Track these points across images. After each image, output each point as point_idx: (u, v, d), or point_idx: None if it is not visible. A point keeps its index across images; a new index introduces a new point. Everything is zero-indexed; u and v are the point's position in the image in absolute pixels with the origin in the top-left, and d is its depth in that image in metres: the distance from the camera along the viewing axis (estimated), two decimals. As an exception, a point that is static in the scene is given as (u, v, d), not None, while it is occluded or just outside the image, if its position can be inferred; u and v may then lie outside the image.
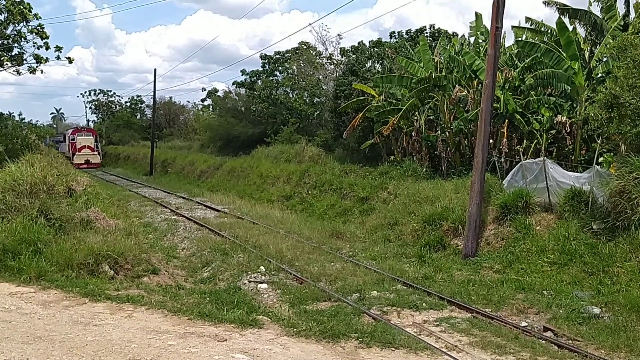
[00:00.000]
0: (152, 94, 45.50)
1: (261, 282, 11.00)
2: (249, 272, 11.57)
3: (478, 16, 19.53)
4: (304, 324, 7.99)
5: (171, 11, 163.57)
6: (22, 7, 17.12)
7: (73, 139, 48.10)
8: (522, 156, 14.49)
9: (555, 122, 15.27)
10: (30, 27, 17.81)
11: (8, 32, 17.64)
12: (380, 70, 25.87)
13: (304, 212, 19.98)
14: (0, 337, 6.22)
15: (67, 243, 9.75)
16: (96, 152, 48.74)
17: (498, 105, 15.87)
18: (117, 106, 70.74)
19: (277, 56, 39.33)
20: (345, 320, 8.49)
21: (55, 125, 79.11)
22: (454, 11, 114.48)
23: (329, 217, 18.62)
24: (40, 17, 18.04)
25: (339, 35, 38.02)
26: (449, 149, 18.31)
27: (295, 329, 7.66)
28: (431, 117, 20.07)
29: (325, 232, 15.87)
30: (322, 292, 10.19)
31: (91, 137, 49.28)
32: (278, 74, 39.52)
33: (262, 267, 11.81)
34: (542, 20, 17.41)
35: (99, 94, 72.42)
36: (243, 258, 12.58)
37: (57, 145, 53.21)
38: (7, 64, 17.98)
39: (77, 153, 47.21)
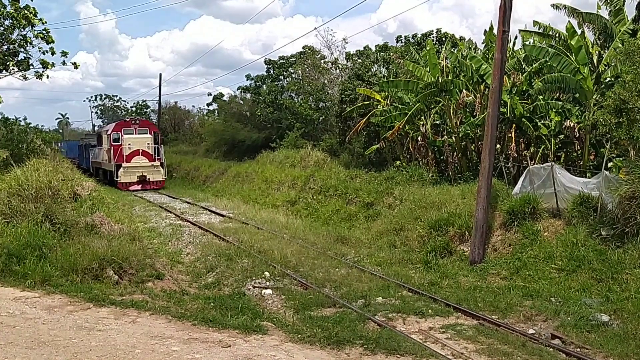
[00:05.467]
0: (157, 98, 45.35)
1: (266, 288, 10.96)
2: (254, 278, 11.52)
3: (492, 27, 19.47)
4: (308, 330, 7.94)
5: (174, 16, 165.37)
6: (26, 12, 17.22)
7: (117, 139, 29.65)
8: (529, 161, 14.38)
9: (563, 126, 15.16)
10: (35, 32, 17.93)
11: (14, 36, 17.74)
12: (386, 74, 25.86)
13: (309, 217, 19.93)
14: (4, 342, 6.21)
15: (71, 248, 9.78)
16: (158, 163, 30.20)
17: (505, 110, 15.78)
18: (123, 111, 71.05)
19: (282, 61, 39.43)
20: (350, 327, 8.42)
21: (61, 130, 79.50)
22: (457, 15, 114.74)
23: (334, 222, 18.56)
24: (45, 22, 18.18)
25: (344, 39, 38.14)
26: (455, 154, 18.22)
27: (299, 335, 7.60)
28: (437, 122, 20.01)
29: (330, 237, 15.82)
30: (326, 298, 10.13)
31: (148, 135, 30.36)
32: (283, 78, 39.60)
33: (266, 273, 11.76)
34: (549, 24, 17.35)
35: (104, 98, 72.89)
36: (247, 263, 12.54)
37: (87, 151, 37.33)
38: (13, 69, 18.06)
39: (124, 164, 29.02)
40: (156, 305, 8.33)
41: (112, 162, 29.93)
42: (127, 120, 33.07)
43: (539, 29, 17.38)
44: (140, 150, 29.97)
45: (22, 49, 18.00)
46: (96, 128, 63.99)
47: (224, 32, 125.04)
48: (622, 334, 8.29)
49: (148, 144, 30.29)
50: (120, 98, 74.27)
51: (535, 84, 16.25)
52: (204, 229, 17.07)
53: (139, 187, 29.28)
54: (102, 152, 32.49)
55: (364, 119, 21.57)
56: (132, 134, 30.29)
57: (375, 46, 32.10)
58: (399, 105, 20.25)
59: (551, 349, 8.02)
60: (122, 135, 29.94)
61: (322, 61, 34.76)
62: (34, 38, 18.14)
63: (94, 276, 9.24)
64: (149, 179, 29.78)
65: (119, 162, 29.47)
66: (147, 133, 30.75)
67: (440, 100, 18.09)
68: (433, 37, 29.75)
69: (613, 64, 14.04)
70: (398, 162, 20.68)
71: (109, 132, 30.79)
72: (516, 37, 18.96)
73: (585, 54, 14.19)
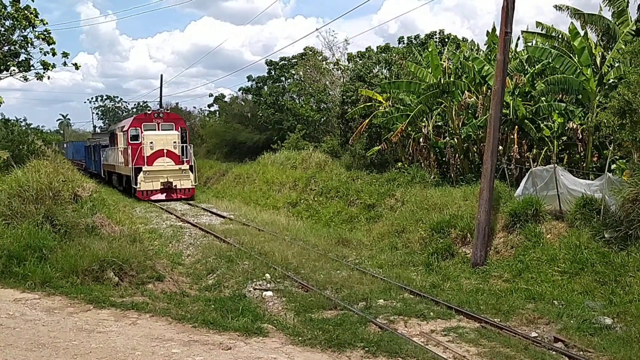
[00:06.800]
0: (159, 99, 45.40)
1: (266, 290, 10.90)
2: (254, 280, 11.46)
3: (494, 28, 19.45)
4: (309, 333, 7.89)
5: (175, 17, 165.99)
6: (27, 13, 17.23)
7: (136, 136, 24.42)
8: (532, 163, 14.32)
9: (566, 128, 15.11)
10: (36, 33, 17.95)
11: (14, 37, 17.76)
12: (387, 76, 25.84)
13: (310, 218, 19.88)
14: (4, 343, 6.21)
15: (72, 249, 9.79)
16: (186, 166, 24.70)
17: (508, 112, 15.73)
18: (124, 112, 71.09)
19: (283, 62, 39.46)
20: (351, 329, 8.37)
21: (62, 131, 79.56)
22: (458, 16, 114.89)
23: (335, 224, 18.50)
24: (46, 23, 18.19)
25: (346, 40, 38.25)
26: (457, 155, 18.17)
27: (300, 338, 7.56)
28: (439, 123, 19.96)
29: (331, 239, 15.75)
30: (327, 301, 10.06)
31: (174, 131, 24.88)
32: (284, 79, 39.63)
33: (267, 275, 11.70)
34: (552, 25, 17.30)
35: (105, 99, 73.01)
36: (248, 265, 12.49)
37: (97, 153, 32.89)
38: (14, 70, 18.07)
39: (145, 167, 23.74)
40: (156, 307, 8.31)
41: (130, 165, 24.15)
42: (149, 113, 26.29)
43: (541, 30, 17.33)
44: (165, 151, 24.18)
45: (22, 50, 18.02)
46: (97, 129, 62.90)
47: (225, 33, 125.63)
48: (625, 337, 8.21)
49: (174, 142, 24.50)
50: (121, 99, 74.48)
51: (537, 86, 16.19)
52: (205, 230, 17.02)
53: (163, 196, 23.94)
54: (116, 153, 26.96)
55: (366, 121, 21.53)
56: (155, 130, 24.60)
57: (377, 47, 32.13)
58: (401, 107, 20.22)
59: (554, 352, 7.95)
60: (141, 132, 24.27)
61: (323, 62, 34.79)
62: (35, 39, 18.17)
63: (95, 278, 9.23)
64: (175, 186, 24.10)
65: (139, 165, 23.82)
66: (172, 129, 24.94)
67: (442, 101, 18.05)
68: (436, 38, 29.75)
69: (616, 65, 13.99)
70: (400, 164, 20.64)
71: (125, 128, 25.22)
72: (519, 38, 18.92)
73: (588, 55, 14.14)
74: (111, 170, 29.37)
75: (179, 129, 25.23)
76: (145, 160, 23.92)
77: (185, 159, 24.90)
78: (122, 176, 26.73)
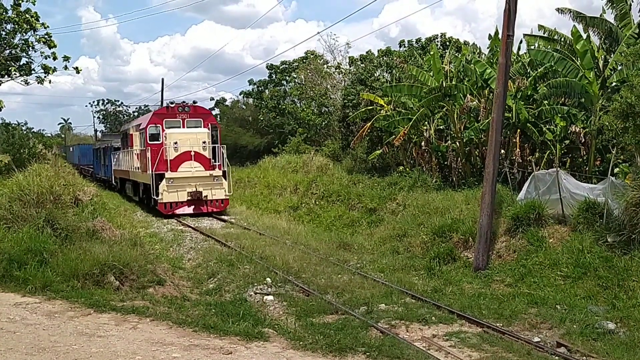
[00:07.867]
0: (160, 103, 45.38)
1: (267, 294, 10.87)
2: (255, 284, 11.43)
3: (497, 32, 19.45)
4: (310, 337, 7.87)
5: (176, 21, 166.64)
6: (28, 16, 17.29)
7: (156, 135, 20.17)
8: (534, 167, 14.27)
9: (568, 132, 15.08)
10: (37, 36, 17.99)
11: (16, 41, 17.81)
12: (389, 79, 25.87)
13: (311, 222, 19.86)
14: (4, 348, 6.22)
15: (73, 253, 9.80)
16: (219, 172, 20.43)
17: (510, 115, 15.70)
18: (125, 116, 71.21)
19: (284, 65, 39.52)
20: (352, 334, 8.33)
21: (63, 135, 79.57)
22: (460, 20, 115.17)
23: (336, 228, 18.47)
24: (47, 26, 18.27)
25: (347, 44, 38.31)
26: (459, 159, 18.15)
27: (301, 343, 7.55)
28: (441, 127, 19.95)
29: (332, 243, 15.72)
30: (329, 305, 10.04)
31: (202, 128, 20.62)
32: (285, 83, 39.71)
33: (268, 279, 11.67)
34: (554, 28, 17.29)
35: (106, 103, 73.17)
36: (249, 269, 12.45)
37: (107, 157, 28.81)
38: (15, 74, 18.13)
39: (168, 174, 19.62)
40: (157, 311, 8.30)
41: (149, 172, 19.81)
42: (172, 106, 20.91)
43: (543, 33, 17.31)
44: (193, 153, 19.91)
45: (24, 54, 18.08)
46: (98, 134, 59.70)
47: (226, 37, 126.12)
48: (628, 342, 8.17)
49: (204, 142, 20.15)
50: (122, 103, 74.64)
51: (540, 89, 16.16)
52: (206, 234, 16.99)
53: (190, 209, 19.91)
54: (131, 156, 22.64)
55: (367, 124, 21.53)
56: (179, 127, 20.24)
57: (378, 51, 32.19)
58: (403, 110, 20.22)
59: (557, 357, 7.92)
60: (163, 130, 19.97)
61: (324, 66, 34.86)
62: (36, 42, 18.26)
63: (95, 282, 9.22)
64: (206, 196, 19.85)
65: (160, 171, 19.58)
66: (201, 126, 20.56)
67: (444, 105, 18.04)
68: (437, 41, 29.79)
69: (619, 68, 13.96)
70: (401, 168, 20.62)
71: (142, 126, 20.84)
72: (521, 42, 18.92)
73: (591, 58, 14.12)
74: (124, 177, 25.08)
75: (209, 126, 20.73)
76: (169, 165, 19.65)
77: (217, 163, 20.58)
78: (139, 184, 22.41)
